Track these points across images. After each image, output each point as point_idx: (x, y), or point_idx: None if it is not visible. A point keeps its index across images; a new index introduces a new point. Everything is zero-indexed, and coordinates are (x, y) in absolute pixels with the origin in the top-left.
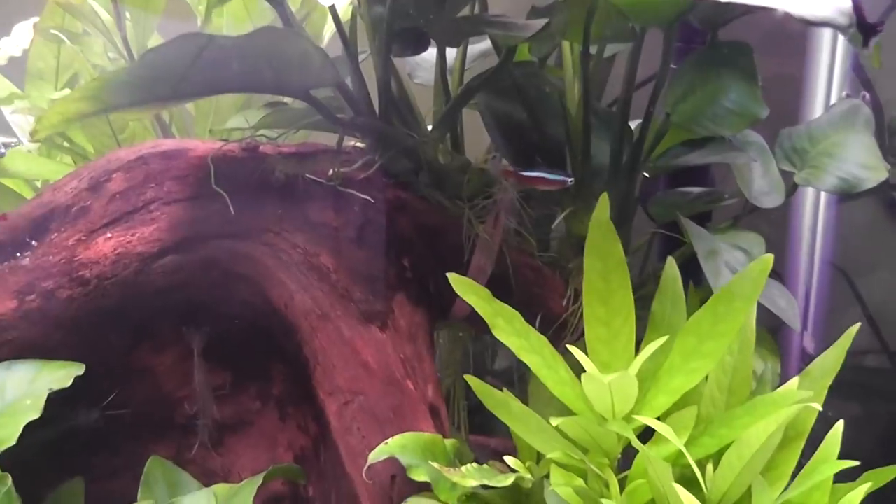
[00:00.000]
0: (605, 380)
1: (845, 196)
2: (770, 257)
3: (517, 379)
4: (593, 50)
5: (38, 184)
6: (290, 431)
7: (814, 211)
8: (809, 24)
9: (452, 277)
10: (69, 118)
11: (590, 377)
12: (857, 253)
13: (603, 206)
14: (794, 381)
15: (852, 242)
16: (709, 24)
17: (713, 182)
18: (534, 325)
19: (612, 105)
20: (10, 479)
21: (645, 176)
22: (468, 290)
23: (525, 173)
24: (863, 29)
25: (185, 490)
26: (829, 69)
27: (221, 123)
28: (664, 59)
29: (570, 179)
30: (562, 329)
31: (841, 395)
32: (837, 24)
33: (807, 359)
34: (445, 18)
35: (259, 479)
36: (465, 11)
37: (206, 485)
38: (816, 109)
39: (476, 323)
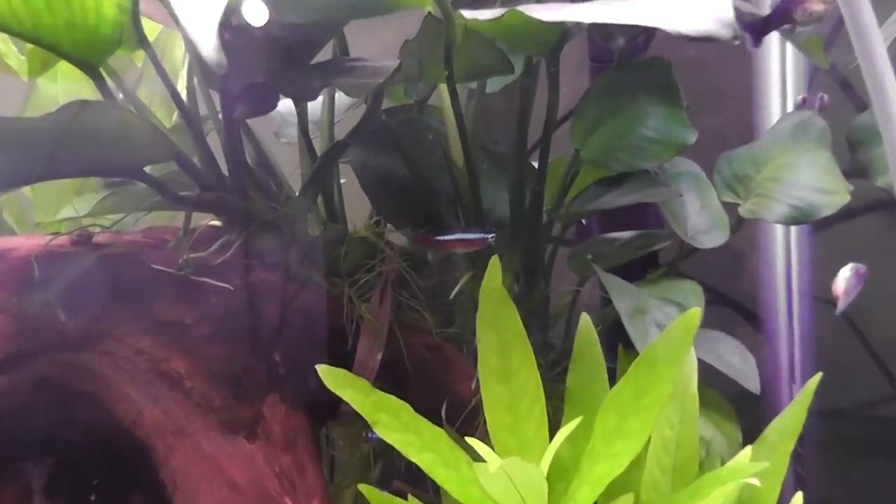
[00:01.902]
0: (491, 468)
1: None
2: (697, 311)
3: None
4: (473, 87)
5: None
6: None
7: (786, 236)
8: (690, 40)
9: (322, 370)
10: None
11: (482, 469)
12: None
13: (494, 271)
14: (746, 451)
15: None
16: (610, 42)
17: (657, 218)
18: (439, 415)
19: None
20: None
21: (581, 222)
22: (341, 384)
23: (441, 238)
24: (752, 28)
25: None
26: (781, 72)
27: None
28: (551, 88)
29: (490, 235)
30: (474, 416)
31: (858, 453)
32: (721, 36)
33: None
34: (293, 70)
35: None
36: (325, 55)
37: None
38: (772, 122)
39: None
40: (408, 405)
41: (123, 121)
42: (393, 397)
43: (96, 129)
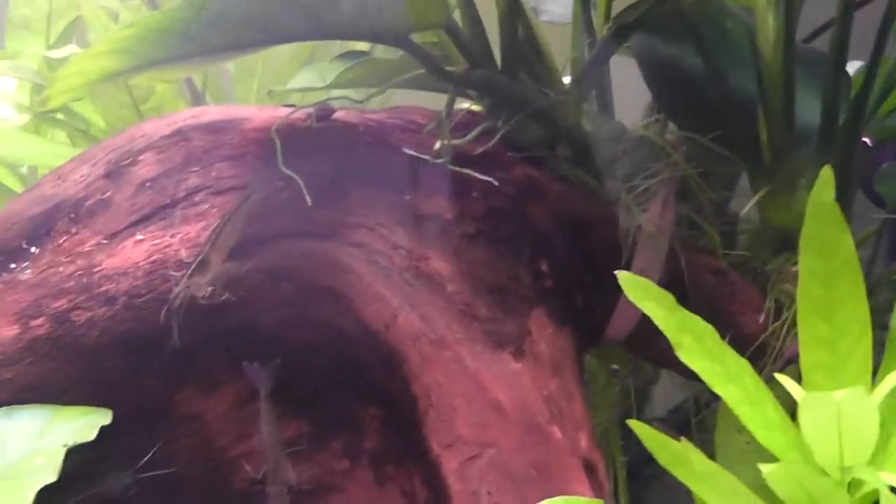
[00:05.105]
0: (832, 398)
1: None
2: None
3: (695, 427)
4: None
5: (24, 170)
6: (392, 499)
7: None
8: None
9: (622, 277)
10: (93, 79)
11: (812, 400)
12: None
13: (826, 184)
14: None
15: None
16: None
17: None
18: None
19: (810, 40)
20: None
21: (865, 142)
22: (644, 295)
23: None
24: None
25: None
26: None
27: (273, 83)
28: None
29: None
30: (759, 355)
31: None
32: None
33: None
34: None
35: None
36: None
37: None
38: None
39: (638, 347)
40: (713, 329)
41: None
42: (698, 318)
43: None
